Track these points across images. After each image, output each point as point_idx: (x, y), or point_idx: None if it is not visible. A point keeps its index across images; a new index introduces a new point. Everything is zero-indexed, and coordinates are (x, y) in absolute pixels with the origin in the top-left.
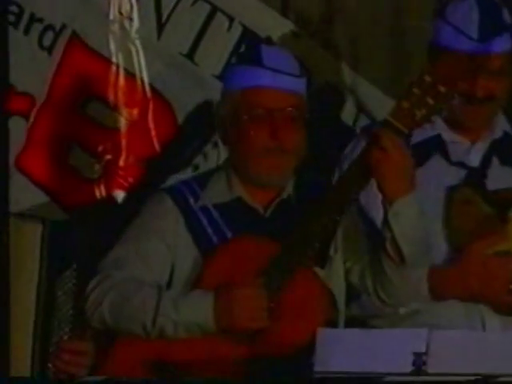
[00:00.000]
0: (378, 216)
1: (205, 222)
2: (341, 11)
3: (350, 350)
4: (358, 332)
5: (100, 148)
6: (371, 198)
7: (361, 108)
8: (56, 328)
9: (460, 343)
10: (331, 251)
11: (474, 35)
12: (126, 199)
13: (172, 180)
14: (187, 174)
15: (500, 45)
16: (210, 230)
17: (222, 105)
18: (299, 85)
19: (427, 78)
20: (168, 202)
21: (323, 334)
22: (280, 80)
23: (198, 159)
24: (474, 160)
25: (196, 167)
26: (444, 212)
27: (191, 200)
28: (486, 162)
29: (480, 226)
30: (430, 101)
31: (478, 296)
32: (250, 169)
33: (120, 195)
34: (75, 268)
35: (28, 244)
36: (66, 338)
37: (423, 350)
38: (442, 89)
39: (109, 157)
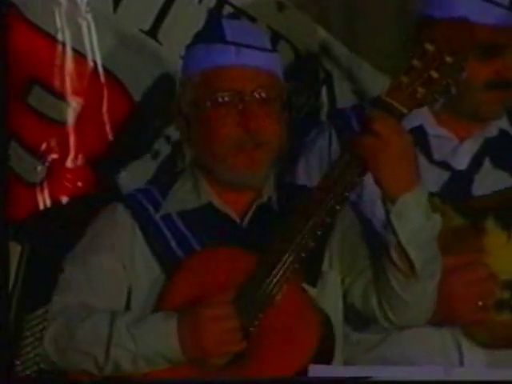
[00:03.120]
0: (380, 219)
1: (168, 233)
2: None
3: None
4: (370, 369)
5: (43, 145)
6: (371, 198)
7: (362, 96)
8: (20, 372)
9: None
10: (324, 266)
11: (505, 1)
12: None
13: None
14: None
15: None
16: (173, 243)
17: (180, 95)
18: (271, 60)
19: (429, 47)
20: (122, 212)
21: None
22: (247, 56)
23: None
24: (461, 161)
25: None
26: None
27: (151, 209)
28: (474, 164)
29: (451, 240)
30: (435, 74)
31: (445, 318)
32: (218, 169)
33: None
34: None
35: None
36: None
37: None
38: (449, 59)
39: (54, 156)
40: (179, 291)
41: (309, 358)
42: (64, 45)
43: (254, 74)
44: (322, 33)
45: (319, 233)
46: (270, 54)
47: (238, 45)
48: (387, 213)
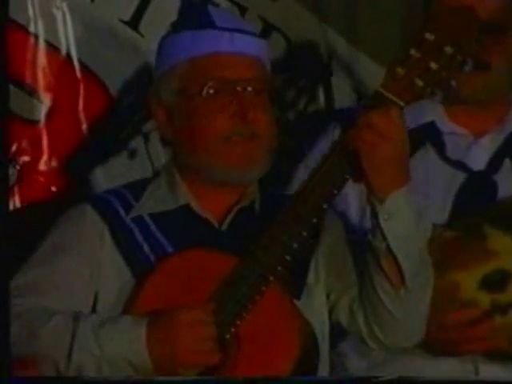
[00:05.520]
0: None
1: (140, 237)
2: None
3: None
4: None
5: (14, 146)
6: (361, 210)
7: (359, 90)
8: None
9: None
10: (310, 279)
11: None
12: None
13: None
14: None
15: None
16: (146, 247)
17: (161, 87)
18: (264, 49)
19: (429, 37)
20: (90, 213)
21: None
22: (242, 42)
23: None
24: (478, 161)
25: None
26: None
27: (121, 212)
28: (493, 164)
29: (451, 250)
30: (434, 65)
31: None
32: (208, 164)
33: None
34: None
35: None
36: None
37: None
38: (449, 49)
39: (26, 158)
40: (150, 296)
41: (288, 368)
42: (37, 37)
43: (250, 62)
44: (317, 23)
45: (305, 233)
46: (262, 41)
47: (231, 30)
48: (375, 215)
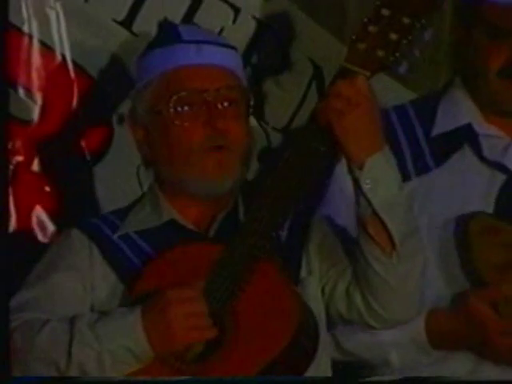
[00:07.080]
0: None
1: (128, 252)
2: None
3: None
4: None
5: (8, 146)
6: (342, 200)
7: None
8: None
9: None
10: (303, 272)
11: None
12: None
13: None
14: None
15: None
16: (136, 261)
17: (136, 107)
18: (235, 59)
19: (385, 12)
20: (78, 235)
21: None
22: (209, 54)
23: None
24: None
25: None
26: (460, 247)
27: (108, 231)
28: None
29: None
30: (393, 36)
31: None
32: (184, 177)
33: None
34: None
35: None
36: None
37: None
38: (406, 20)
39: (19, 159)
40: (143, 292)
41: (286, 341)
42: (31, 37)
43: (219, 72)
44: (311, 23)
45: (289, 208)
46: (233, 51)
47: (198, 42)
48: (357, 181)
